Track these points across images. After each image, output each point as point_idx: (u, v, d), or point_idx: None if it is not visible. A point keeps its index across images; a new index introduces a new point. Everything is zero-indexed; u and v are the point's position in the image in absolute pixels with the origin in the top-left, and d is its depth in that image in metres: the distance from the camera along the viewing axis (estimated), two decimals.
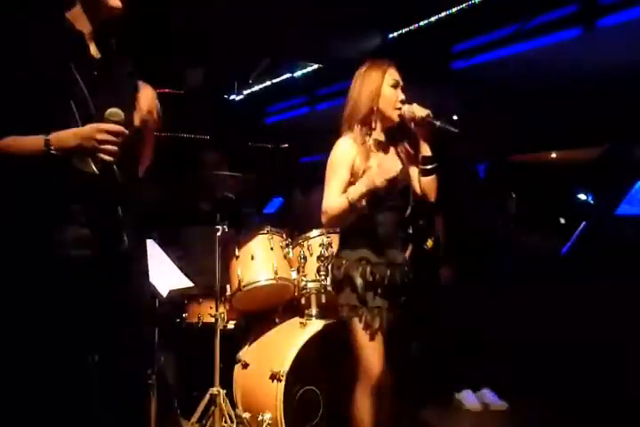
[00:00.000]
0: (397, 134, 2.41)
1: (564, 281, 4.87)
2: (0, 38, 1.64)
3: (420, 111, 2.27)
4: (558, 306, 4.97)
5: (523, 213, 4.22)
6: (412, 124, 2.31)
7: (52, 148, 1.59)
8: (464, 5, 4.22)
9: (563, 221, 6.02)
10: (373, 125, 2.35)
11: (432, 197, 2.40)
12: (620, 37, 3.73)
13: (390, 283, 2.31)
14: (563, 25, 3.84)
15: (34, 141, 1.60)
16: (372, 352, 2.26)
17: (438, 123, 2.25)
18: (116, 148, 1.64)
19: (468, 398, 3.57)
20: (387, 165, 2.17)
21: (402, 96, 2.33)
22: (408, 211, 2.36)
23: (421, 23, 4.56)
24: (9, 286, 1.66)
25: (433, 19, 4.47)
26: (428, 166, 2.34)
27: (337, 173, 2.28)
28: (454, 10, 4.31)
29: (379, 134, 2.38)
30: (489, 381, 3.67)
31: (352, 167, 2.28)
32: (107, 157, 1.64)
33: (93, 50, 1.76)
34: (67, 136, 1.61)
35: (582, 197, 4.97)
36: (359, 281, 2.28)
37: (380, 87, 2.31)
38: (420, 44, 4.57)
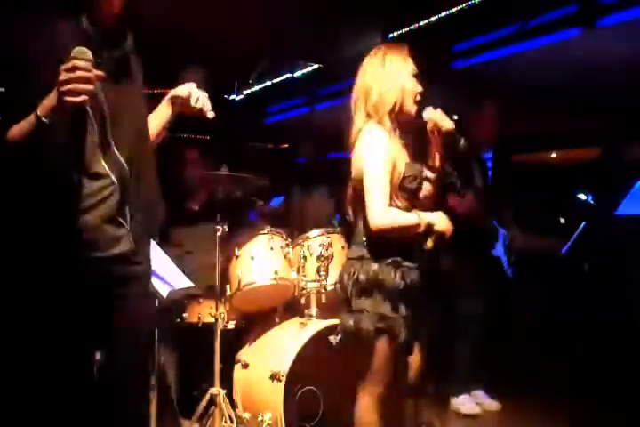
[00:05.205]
0: (407, 127, 2.22)
1: (564, 281, 4.87)
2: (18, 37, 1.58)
3: (447, 124, 2.13)
4: (558, 306, 4.98)
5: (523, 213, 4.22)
6: (434, 133, 2.17)
7: (41, 115, 1.46)
8: (464, 5, 4.21)
9: (563, 221, 6.03)
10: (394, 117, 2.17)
11: None
12: (620, 37, 3.73)
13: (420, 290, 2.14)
14: (563, 25, 3.83)
15: (28, 120, 1.50)
16: (389, 363, 2.11)
17: (462, 141, 2.12)
18: (87, 86, 1.41)
19: (467, 403, 3.54)
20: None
21: (419, 88, 2.17)
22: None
23: (421, 23, 4.55)
24: (12, 284, 1.66)
25: (433, 19, 4.47)
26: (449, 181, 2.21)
27: (385, 171, 2.08)
28: (454, 10, 4.30)
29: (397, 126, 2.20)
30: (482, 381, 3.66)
31: (395, 164, 2.12)
32: (74, 99, 1.41)
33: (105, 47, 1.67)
34: (48, 98, 1.47)
35: (582, 197, 4.97)
36: (393, 287, 2.08)
37: (404, 76, 2.15)
38: (420, 44, 4.56)
